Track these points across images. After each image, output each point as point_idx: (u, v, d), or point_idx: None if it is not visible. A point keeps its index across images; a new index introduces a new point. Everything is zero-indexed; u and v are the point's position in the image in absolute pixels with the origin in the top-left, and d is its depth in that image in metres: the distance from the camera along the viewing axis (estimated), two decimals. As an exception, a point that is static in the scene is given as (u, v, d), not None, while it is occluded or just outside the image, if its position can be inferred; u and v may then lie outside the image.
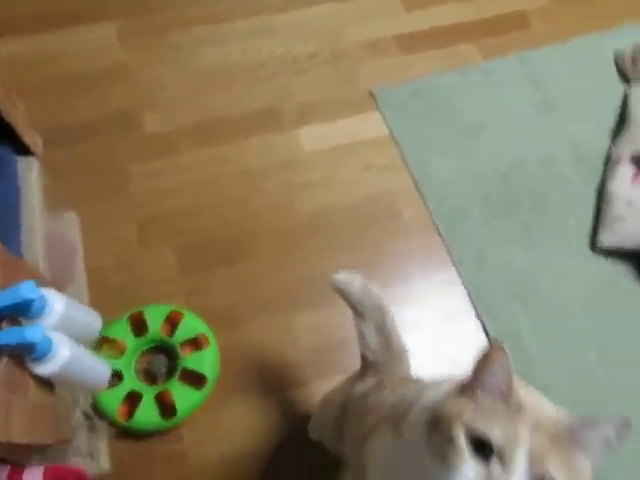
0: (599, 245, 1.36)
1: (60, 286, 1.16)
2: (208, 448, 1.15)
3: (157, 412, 1.13)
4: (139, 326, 1.22)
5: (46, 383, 0.91)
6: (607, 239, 1.34)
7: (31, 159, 1.26)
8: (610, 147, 1.50)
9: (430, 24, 1.72)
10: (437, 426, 0.54)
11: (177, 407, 1.12)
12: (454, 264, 1.36)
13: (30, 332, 0.76)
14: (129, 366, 1.20)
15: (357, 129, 1.53)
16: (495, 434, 0.50)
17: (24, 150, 1.26)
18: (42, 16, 1.66)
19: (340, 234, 1.38)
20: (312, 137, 1.51)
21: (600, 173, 1.48)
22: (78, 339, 0.99)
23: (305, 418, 1.15)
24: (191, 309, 1.26)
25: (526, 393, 0.55)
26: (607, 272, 1.36)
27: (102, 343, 1.21)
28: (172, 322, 1.22)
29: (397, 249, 1.37)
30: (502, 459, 0.49)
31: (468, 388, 0.55)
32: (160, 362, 1.22)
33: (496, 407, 0.52)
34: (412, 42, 1.68)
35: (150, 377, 1.21)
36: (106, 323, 1.21)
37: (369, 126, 1.54)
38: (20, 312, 0.81)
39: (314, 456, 1.12)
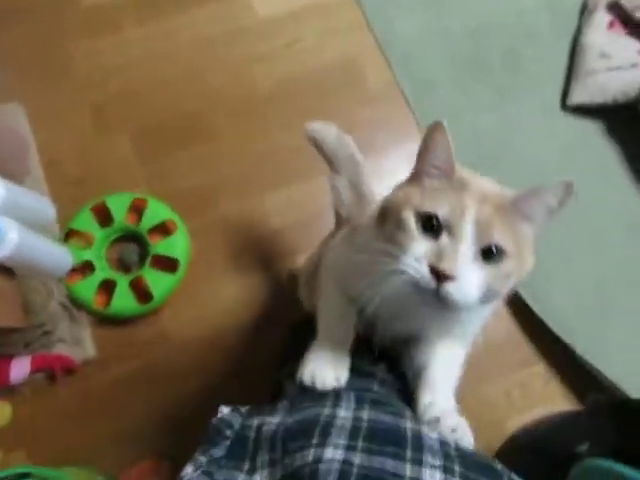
0: (569, 103, 1.32)
1: (15, 179, 1.12)
2: (189, 327, 1.19)
3: (133, 298, 1.14)
4: (104, 216, 1.19)
5: (5, 269, 0.90)
6: (578, 95, 1.30)
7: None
8: (586, -5, 1.40)
9: None
10: (387, 216, 0.55)
11: (152, 292, 1.13)
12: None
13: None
14: (99, 256, 1.19)
15: (315, -13, 1.39)
16: (442, 210, 0.51)
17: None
18: None
19: (303, 104, 1.31)
20: (267, 1, 1.38)
21: (575, 25, 1.40)
22: (32, 226, 0.97)
23: (278, 293, 1.18)
24: (155, 195, 1.22)
25: (471, 174, 0.56)
26: (577, 128, 1.34)
27: (69, 236, 1.19)
28: (137, 210, 1.20)
29: (364, 118, 1.32)
30: (450, 232, 0.51)
31: (414, 176, 0.56)
32: (131, 250, 1.21)
33: (441, 187, 0.54)
34: None
35: (123, 266, 1.21)
36: (70, 216, 1.19)
37: (328, -17, 1.40)
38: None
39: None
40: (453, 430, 0.54)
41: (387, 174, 1.26)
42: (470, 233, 0.50)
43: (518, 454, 1.11)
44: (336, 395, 0.54)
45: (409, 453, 0.46)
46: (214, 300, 1.21)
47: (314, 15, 1.38)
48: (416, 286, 0.51)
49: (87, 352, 1.16)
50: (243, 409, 0.57)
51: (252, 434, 0.52)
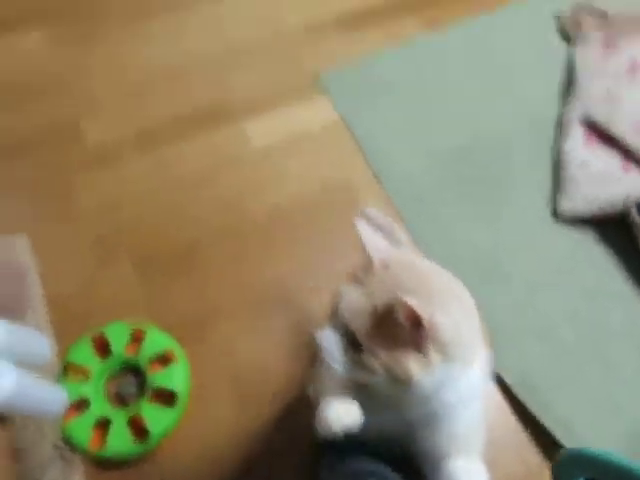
0: (560, 212, 1.36)
1: (16, 314, 1.11)
2: (189, 464, 1.12)
3: (129, 437, 1.09)
4: (102, 348, 1.17)
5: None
6: (565, 205, 1.34)
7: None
8: (561, 112, 1.50)
9: (370, 2, 1.66)
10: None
11: (150, 429, 1.08)
12: (421, 250, 1.34)
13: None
14: (97, 391, 1.15)
15: (305, 117, 1.48)
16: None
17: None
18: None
19: (297, 231, 1.34)
20: (260, 130, 1.46)
21: (554, 137, 1.48)
22: (26, 366, 0.95)
23: (284, 425, 1.13)
24: (155, 323, 1.21)
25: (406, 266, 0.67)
26: (570, 238, 1.36)
27: (67, 370, 1.16)
28: (136, 339, 1.18)
29: (358, 240, 1.34)
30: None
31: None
32: (128, 383, 1.17)
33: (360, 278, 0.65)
34: (354, 21, 1.64)
35: (121, 400, 1.17)
36: (70, 348, 1.17)
37: (318, 113, 1.49)
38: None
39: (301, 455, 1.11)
40: None
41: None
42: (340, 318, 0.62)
43: None
44: None
45: None
46: (217, 434, 1.15)
47: (306, 142, 1.46)
48: None
49: (78, 498, 1.09)
50: None
51: None
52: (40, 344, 1.11)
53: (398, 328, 0.57)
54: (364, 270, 0.64)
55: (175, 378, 1.14)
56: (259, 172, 1.41)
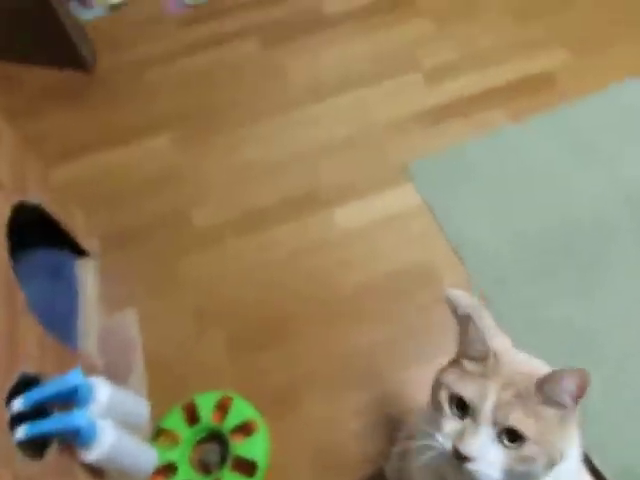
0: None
1: (121, 378, 1.24)
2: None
3: (209, 504, 1.12)
4: (192, 415, 1.24)
5: (95, 470, 0.94)
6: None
7: (88, 261, 1.38)
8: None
9: (454, 95, 1.77)
10: (432, 396, 0.64)
11: (230, 498, 1.11)
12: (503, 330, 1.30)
13: (75, 418, 0.81)
14: (184, 457, 1.21)
15: (391, 203, 1.56)
16: (467, 392, 0.58)
17: (83, 253, 1.39)
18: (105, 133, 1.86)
19: (383, 307, 1.38)
20: (349, 215, 1.56)
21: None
22: (126, 426, 1.03)
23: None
24: (241, 394, 1.27)
25: (511, 354, 0.64)
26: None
27: (158, 435, 1.23)
28: (222, 408, 1.24)
29: (443, 318, 1.34)
30: (473, 414, 0.57)
31: (455, 359, 0.65)
32: (213, 451, 1.22)
33: (475, 370, 0.61)
34: (440, 114, 1.74)
35: (204, 467, 1.22)
36: (162, 413, 1.26)
37: (402, 199, 1.56)
38: (68, 399, 0.87)
39: None
40: None
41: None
42: (489, 416, 0.56)
43: None
44: None
45: None
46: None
47: (391, 226, 1.53)
48: (443, 461, 0.58)
49: None
50: None
51: None
52: (140, 406, 1.21)
53: (546, 406, 0.57)
54: (476, 361, 0.61)
55: (255, 448, 1.17)
56: (347, 252, 1.50)
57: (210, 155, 1.77)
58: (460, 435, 0.57)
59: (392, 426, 1.19)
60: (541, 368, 0.63)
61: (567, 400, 0.57)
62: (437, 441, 0.58)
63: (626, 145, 1.57)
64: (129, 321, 1.48)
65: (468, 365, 0.61)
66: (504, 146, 1.63)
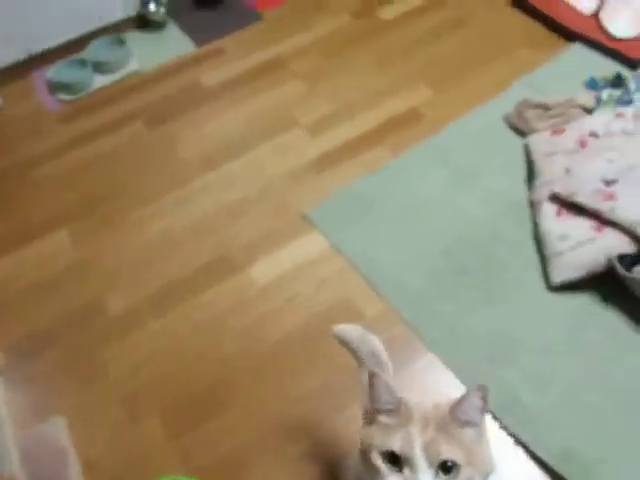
0: (553, 284, 1.41)
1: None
2: None
3: None
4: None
5: None
6: (556, 276, 1.40)
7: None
8: (529, 195, 1.62)
9: (337, 142, 1.92)
10: (364, 455, 0.65)
11: None
12: (429, 348, 1.38)
13: None
14: None
15: (301, 251, 1.63)
16: (395, 445, 0.61)
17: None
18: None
19: (309, 353, 1.42)
20: (262, 272, 1.60)
21: (530, 219, 1.59)
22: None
23: None
24: (187, 473, 1.24)
25: (414, 400, 0.67)
26: (572, 305, 1.40)
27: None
28: (172, 493, 1.19)
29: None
30: (408, 462, 0.60)
31: (372, 416, 0.67)
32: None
33: (393, 422, 0.64)
34: (328, 160, 1.86)
35: None
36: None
37: (310, 245, 1.64)
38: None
39: None
40: None
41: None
42: (421, 459, 0.59)
43: None
44: None
45: None
46: None
47: (305, 271, 1.59)
48: None
49: None
50: None
51: None
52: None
53: (463, 429, 0.62)
54: (390, 413, 0.65)
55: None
56: (268, 307, 1.53)
57: (112, 240, 1.75)
58: None
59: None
60: (440, 400, 0.67)
61: (477, 416, 0.63)
62: None
63: (491, 159, 1.77)
64: (57, 430, 1.39)
65: (385, 419, 0.65)
66: (391, 179, 1.77)
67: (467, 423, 0.63)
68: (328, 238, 1.65)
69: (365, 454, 0.64)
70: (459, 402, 0.63)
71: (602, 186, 1.46)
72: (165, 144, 2.01)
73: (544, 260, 1.46)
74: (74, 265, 1.71)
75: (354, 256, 1.59)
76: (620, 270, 1.27)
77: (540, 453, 1.16)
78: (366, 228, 1.65)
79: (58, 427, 1.39)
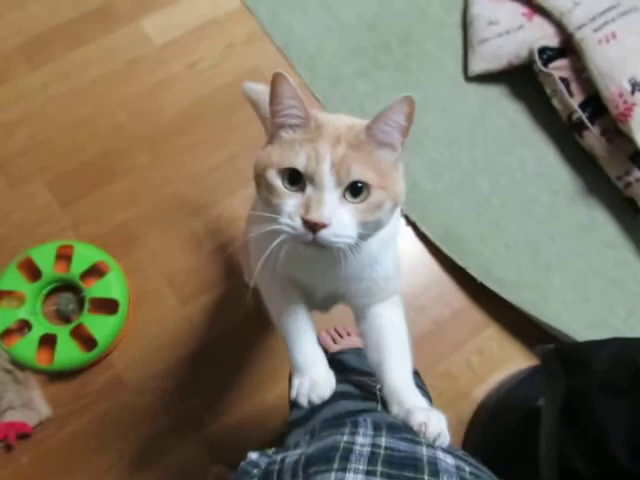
0: (471, 74, 1.36)
1: None
2: (141, 368, 1.16)
3: (77, 347, 1.11)
4: (32, 271, 1.16)
5: None
6: (476, 64, 1.35)
7: None
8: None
9: None
10: (258, 181, 0.55)
11: (96, 337, 1.10)
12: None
13: None
14: (34, 312, 1.15)
15: (207, 6, 1.40)
16: (300, 162, 0.52)
17: None
18: None
19: (213, 124, 1.31)
20: (159, 26, 1.37)
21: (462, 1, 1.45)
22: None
23: (227, 307, 1.17)
24: (83, 239, 1.20)
25: (330, 115, 0.57)
26: (484, 97, 1.38)
27: (0, 298, 1.14)
28: (65, 257, 1.17)
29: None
30: (313, 181, 0.52)
31: (272, 134, 0.56)
32: (66, 300, 1.18)
33: (298, 137, 0.53)
34: None
35: (62, 317, 1.18)
36: (-2, 277, 1.15)
37: (220, 2, 1.40)
38: None
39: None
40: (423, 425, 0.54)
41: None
42: (329, 177, 0.51)
43: (489, 421, 1.14)
44: (354, 423, 0.54)
45: (426, 477, 0.47)
46: (163, 333, 1.19)
47: (211, 33, 1.38)
48: (297, 241, 0.52)
49: (41, 413, 1.12)
50: (270, 451, 0.57)
51: (276, 467, 0.52)
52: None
53: (380, 150, 0.54)
54: (296, 128, 0.54)
55: (112, 286, 1.15)
56: (166, 71, 1.35)
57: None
58: (306, 207, 0.51)
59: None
60: (357, 121, 0.56)
61: (397, 137, 0.54)
62: (283, 223, 0.52)
63: None
64: None
65: (288, 135, 0.54)
66: None
67: (384, 144, 0.54)
68: (239, -6, 1.41)
69: (259, 175, 0.54)
70: (378, 117, 0.53)
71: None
72: None
73: (467, 47, 1.39)
74: None
75: (267, 20, 1.40)
76: (538, 64, 1.24)
77: (424, 230, 1.25)
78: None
79: None
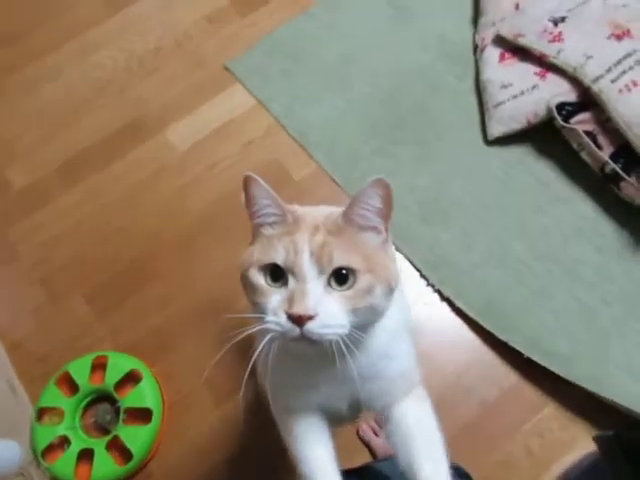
0: (490, 137, 1.33)
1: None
2: (179, 476, 1.13)
3: (113, 462, 1.09)
4: (69, 385, 1.18)
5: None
6: (495, 128, 1.32)
7: None
8: (474, 35, 1.47)
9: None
10: (244, 283, 0.54)
11: (131, 449, 1.09)
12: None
13: None
14: (73, 427, 1.15)
15: (223, 109, 1.47)
16: (278, 255, 0.51)
17: None
18: None
19: (237, 218, 1.32)
20: (182, 134, 1.45)
21: (473, 66, 1.45)
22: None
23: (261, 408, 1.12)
24: (118, 349, 1.22)
25: (309, 208, 0.57)
26: (507, 158, 1.34)
27: (41, 415, 1.16)
28: (100, 368, 1.18)
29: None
30: (294, 274, 0.50)
31: (253, 235, 0.56)
32: (103, 411, 1.18)
33: (277, 233, 0.53)
34: (247, 2, 1.60)
35: (101, 429, 1.18)
36: (39, 394, 1.18)
37: (234, 102, 1.47)
38: None
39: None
40: None
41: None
42: (310, 267, 0.50)
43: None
44: None
45: None
46: (200, 437, 1.16)
47: (230, 133, 1.44)
48: (285, 338, 0.49)
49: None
50: None
51: None
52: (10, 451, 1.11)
53: (361, 233, 0.53)
54: (275, 224, 0.54)
55: (145, 395, 1.14)
56: (190, 175, 1.40)
57: (3, 106, 1.52)
58: (289, 301, 0.49)
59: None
60: (335, 209, 0.56)
61: (376, 219, 0.53)
62: (269, 321, 0.49)
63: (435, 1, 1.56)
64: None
65: (267, 232, 0.54)
66: (320, 22, 1.55)
67: (366, 228, 0.53)
68: (253, 93, 1.47)
69: (243, 276, 0.53)
70: (353, 201, 0.52)
71: (550, 26, 1.32)
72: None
73: (484, 112, 1.37)
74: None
75: (282, 114, 1.44)
76: (559, 120, 1.19)
77: (460, 304, 1.19)
78: (295, 80, 1.48)
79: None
